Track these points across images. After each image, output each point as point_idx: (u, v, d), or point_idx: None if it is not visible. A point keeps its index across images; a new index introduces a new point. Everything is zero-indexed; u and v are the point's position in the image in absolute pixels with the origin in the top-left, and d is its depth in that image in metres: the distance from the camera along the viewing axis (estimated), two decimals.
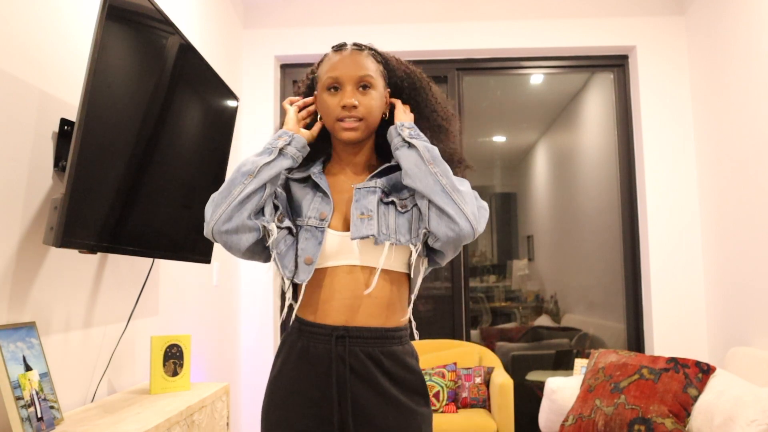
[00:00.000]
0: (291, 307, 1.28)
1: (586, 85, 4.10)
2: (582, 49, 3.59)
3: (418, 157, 1.23)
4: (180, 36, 1.88)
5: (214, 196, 1.25)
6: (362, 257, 1.25)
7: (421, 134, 1.29)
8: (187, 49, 1.95)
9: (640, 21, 3.52)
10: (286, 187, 1.34)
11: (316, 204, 1.29)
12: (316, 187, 1.31)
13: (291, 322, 1.29)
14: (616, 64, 3.68)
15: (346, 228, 1.27)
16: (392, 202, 1.27)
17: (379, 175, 1.32)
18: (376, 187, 1.27)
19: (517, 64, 3.73)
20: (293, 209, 1.31)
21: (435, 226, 1.22)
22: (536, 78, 4.05)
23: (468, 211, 1.22)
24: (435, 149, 1.26)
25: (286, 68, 3.73)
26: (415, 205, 1.27)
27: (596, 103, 3.99)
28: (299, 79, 1.47)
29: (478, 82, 3.91)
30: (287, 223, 1.27)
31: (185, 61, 1.96)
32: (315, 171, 1.33)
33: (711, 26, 3.21)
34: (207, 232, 1.24)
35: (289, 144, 1.26)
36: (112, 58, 1.52)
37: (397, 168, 1.31)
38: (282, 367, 1.28)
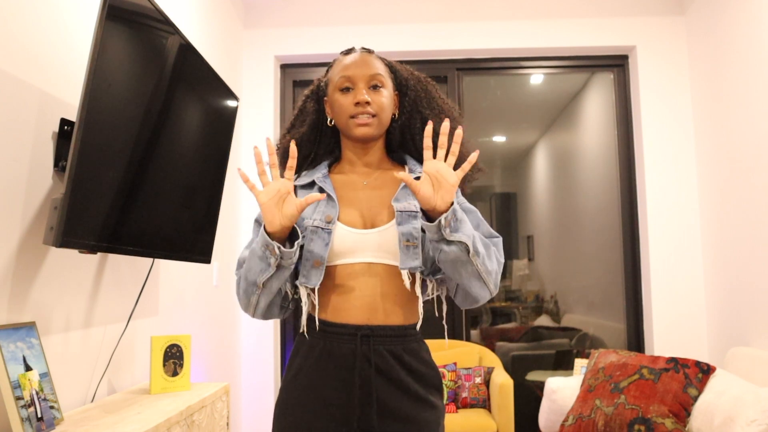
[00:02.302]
0: (309, 314, 1.28)
1: (586, 85, 4.10)
2: (582, 49, 3.59)
3: (460, 253, 1.16)
4: (180, 36, 1.88)
5: (237, 291, 1.28)
6: (380, 254, 1.25)
7: (462, 216, 1.16)
8: (187, 49, 1.95)
9: (640, 21, 3.52)
10: (294, 194, 1.34)
11: (321, 207, 1.28)
12: (321, 190, 1.31)
13: (305, 324, 1.29)
14: (616, 64, 3.68)
15: (363, 225, 1.27)
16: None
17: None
18: (416, 211, 1.25)
19: (517, 64, 3.73)
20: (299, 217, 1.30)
21: (459, 300, 1.30)
22: (536, 78, 4.05)
23: (492, 287, 1.25)
24: (477, 233, 1.21)
25: (286, 68, 3.73)
26: None
27: (596, 103, 3.99)
28: (304, 91, 1.46)
29: (478, 82, 3.91)
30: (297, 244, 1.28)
31: (185, 61, 1.96)
32: (319, 176, 1.33)
33: (711, 26, 3.21)
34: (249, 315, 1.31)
35: (281, 259, 1.17)
36: (112, 58, 1.52)
37: None
38: (301, 368, 1.27)
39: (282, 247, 1.16)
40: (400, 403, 1.23)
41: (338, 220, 1.27)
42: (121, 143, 1.63)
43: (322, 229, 1.25)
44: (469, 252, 1.16)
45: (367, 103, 1.28)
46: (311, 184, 1.34)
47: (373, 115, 1.29)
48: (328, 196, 1.30)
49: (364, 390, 1.21)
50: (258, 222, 1.38)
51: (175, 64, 1.89)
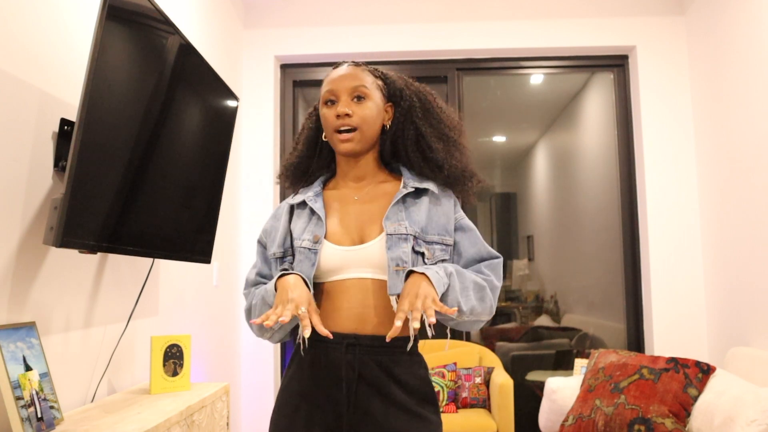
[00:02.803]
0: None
1: (586, 85, 4.10)
2: (582, 49, 3.59)
3: (446, 317, 1.24)
4: (180, 36, 1.88)
5: (248, 319, 1.32)
6: (369, 270, 1.26)
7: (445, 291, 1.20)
8: (187, 49, 1.95)
9: (640, 21, 3.52)
10: (291, 214, 1.37)
11: (311, 227, 1.30)
12: (312, 210, 1.33)
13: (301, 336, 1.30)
14: (616, 64, 3.68)
15: (351, 242, 1.28)
16: (422, 254, 1.27)
17: (402, 202, 1.31)
18: (407, 233, 1.26)
19: (517, 64, 3.72)
20: (292, 233, 1.33)
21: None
22: (536, 78, 4.05)
23: (486, 318, 1.31)
24: (471, 276, 1.25)
25: (286, 68, 3.73)
26: (442, 260, 1.29)
27: (596, 103, 3.99)
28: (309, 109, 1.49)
29: (478, 82, 3.91)
30: (287, 263, 1.32)
31: (185, 61, 1.96)
32: (310, 195, 1.35)
33: (711, 26, 3.21)
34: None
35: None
36: (112, 58, 1.52)
37: (416, 194, 1.33)
38: (292, 376, 1.29)
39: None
40: (386, 414, 1.22)
41: (325, 238, 1.28)
42: (121, 143, 1.63)
43: (309, 249, 1.26)
44: (455, 318, 1.21)
45: (347, 115, 1.29)
46: (303, 204, 1.36)
47: (354, 129, 1.29)
48: (317, 215, 1.31)
49: (349, 398, 1.22)
50: (261, 244, 1.39)
51: (175, 64, 1.89)
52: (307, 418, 1.24)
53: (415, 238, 1.26)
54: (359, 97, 1.31)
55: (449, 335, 1.31)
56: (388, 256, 1.23)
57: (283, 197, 3.59)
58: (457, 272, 1.24)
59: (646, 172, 3.44)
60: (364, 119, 1.30)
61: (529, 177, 4.69)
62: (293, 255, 1.30)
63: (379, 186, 1.36)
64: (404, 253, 1.23)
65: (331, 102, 1.32)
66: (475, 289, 1.25)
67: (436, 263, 1.27)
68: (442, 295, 1.18)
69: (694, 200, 3.40)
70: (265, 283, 1.34)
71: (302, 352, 1.29)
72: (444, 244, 1.30)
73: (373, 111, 1.32)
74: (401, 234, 1.25)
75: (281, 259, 1.33)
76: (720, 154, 3.14)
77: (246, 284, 1.39)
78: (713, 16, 3.18)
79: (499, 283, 1.30)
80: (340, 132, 1.30)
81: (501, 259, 1.34)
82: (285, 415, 1.27)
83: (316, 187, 1.37)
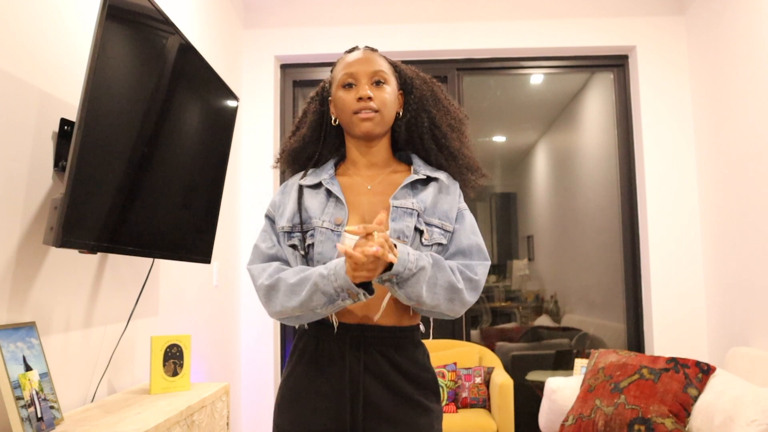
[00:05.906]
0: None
1: (586, 85, 4.10)
2: (582, 49, 3.59)
3: (410, 300, 1.18)
4: (180, 36, 1.88)
5: (272, 300, 1.22)
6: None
7: (411, 279, 1.15)
8: (187, 49, 1.95)
9: (640, 21, 3.52)
10: (300, 193, 1.34)
11: (330, 209, 1.29)
12: (329, 192, 1.31)
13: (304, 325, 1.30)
14: (616, 64, 3.68)
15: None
16: (421, 232, 1.26)
17: (411, 187, 1.31)
18: (413, 209, 1.26)
19: (517, 64, 3.73)
20: (306, 215, 1.30)
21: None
22: (536, 78, 4.05)
23: (459, 310, 1.26)
24: (431, 291, 1.19)
25: (286, 68, 3.73)
26: (438, 244, 1.27)
27: (596, 103, 3.99)
28: (309, 93, 1.47)
29: (478, 82, 3.91)
30: (296, 239, 1.28)
31: (185, 61, 1.96)
32: (326, 177, 1.33)
33: (711, 26, 3.21)
34: (268, 313, 1.26)
35: (359, 299, 1.16)
36: (112, 58, 1.52)
37: (425, 181, 1.33)
38: (296, 366, 1.29)
39: (367, 294, 1.14)
40: (389, 403, 1.23)
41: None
42: (121, 143, 1.63)
43: (332, 231, 1.25)
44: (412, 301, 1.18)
45: (370, 98, 1.28)
46: (318, 185, 1.34)
47: (376, 111, 1.29)
48: (337, 198, 1.30)
49: (352, 388, 1.23)
50: (269, 218, 1.37)
51: (175, 64, 1.89)
52: (311, 409, 1.24)
53: (419, 215, 1.27)
54: (378, 82, 1.31)
55: (425, 325, 1.31)
56: (392, 227, 1.23)
57: None
58: (436, 266, 1.19)
59: (646, 172, 3.44)
60: (384, 103, 1.30)
61: (529, 177, 4.69)
62: (302, 232, 1.28)
63: (391, 176, 1.36)
64: (407, 227, 1.24)
65: (349, 85, 1.31)
66: (447, 290, 1.21)
67: (432, 245, 1.26)
68: (403, 281, 1.14)
69: (694, 200, 3.40)
70: (283, 261, 1.30)
71: (303, 342, 1.27)
72: (443, 230, 1.29)
73: (391, 96, 1.33)
74: (407, 208, 1.26)
75: (289, 234, 1.30)
76: (720, 154, 3.14)
77: (257, 254, 1.31)
78: (713, 16, 3.18)
79: (480, 286, 1.28)
80: (359, 111, 1.29)
81: (488, 263, 1.31)
82: (290, 406, 1.27)
83: (329, 170, 1.36)
